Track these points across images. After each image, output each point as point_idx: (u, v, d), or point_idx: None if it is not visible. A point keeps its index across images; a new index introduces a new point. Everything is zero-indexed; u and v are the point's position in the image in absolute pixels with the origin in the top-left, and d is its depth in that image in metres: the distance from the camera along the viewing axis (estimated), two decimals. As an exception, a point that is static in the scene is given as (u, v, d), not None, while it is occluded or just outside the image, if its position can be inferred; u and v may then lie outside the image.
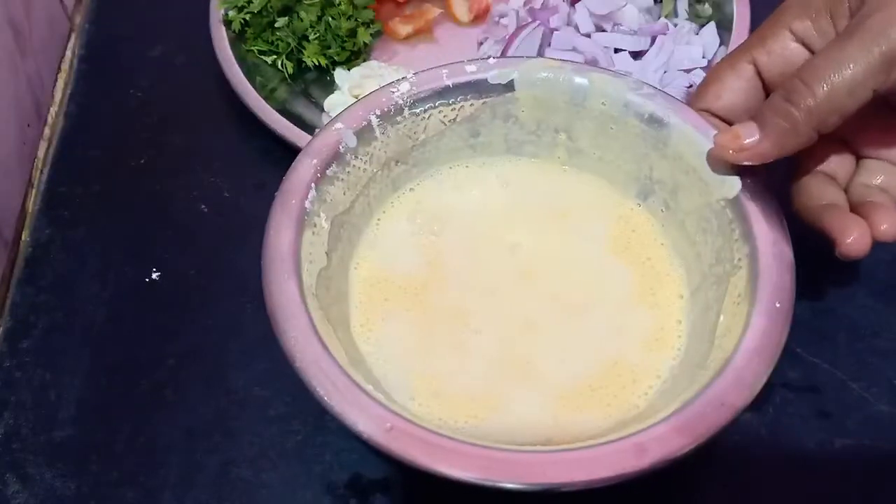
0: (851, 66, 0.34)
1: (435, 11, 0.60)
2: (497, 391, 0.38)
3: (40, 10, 0.59)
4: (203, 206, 0.52)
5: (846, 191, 0.39)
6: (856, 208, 0.37)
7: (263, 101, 0.52)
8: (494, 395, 0.38)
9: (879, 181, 0.39)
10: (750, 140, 0.36)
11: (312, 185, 0.38)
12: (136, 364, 0.45)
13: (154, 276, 0.49)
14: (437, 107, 0.42)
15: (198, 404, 0.44)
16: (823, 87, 0.34)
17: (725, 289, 0.37)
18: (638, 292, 0.40)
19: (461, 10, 0.60)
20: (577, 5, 0.55)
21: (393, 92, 0.41)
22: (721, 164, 0.39)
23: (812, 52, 0.38)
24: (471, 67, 0.42)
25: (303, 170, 0.39)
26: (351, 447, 0.43)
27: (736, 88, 0.40)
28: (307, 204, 0.38)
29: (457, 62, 0.42)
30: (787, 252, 0.36)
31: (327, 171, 0.39)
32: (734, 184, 0.38)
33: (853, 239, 0.35)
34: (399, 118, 0.41)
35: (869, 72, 0.33)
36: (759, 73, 0.40)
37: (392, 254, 0.42)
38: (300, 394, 0.44)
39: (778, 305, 0.35)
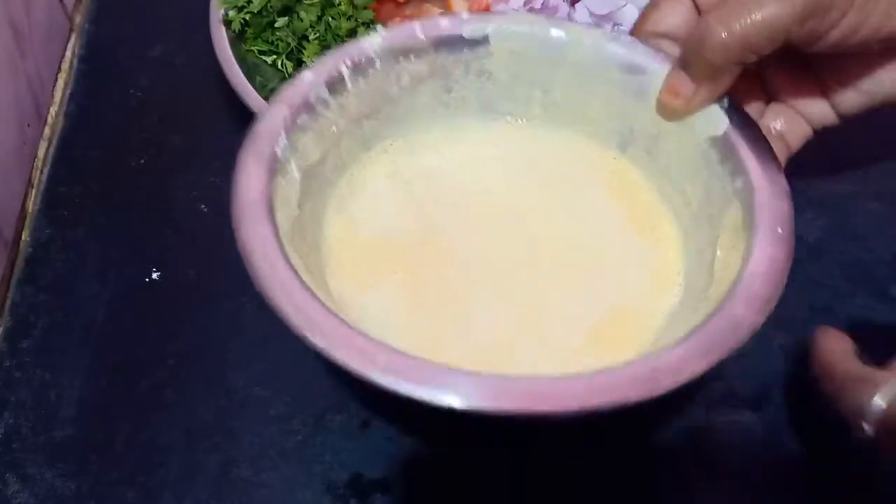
0: (772, 8, 0.34)
1: (435, 11, 0.59)
2: (499, 349, 0.37)
3: (40, 10, 0.59)
4: (203, 206, 0.52)
5: None
6: None
7: (263, 101, 0.52)
8: (497, 354, 0.37)
9: (779, 126, 0.40)
10: (687, 91, 0.37)
11: (283, 132, 0.37)
12: (136, 364, 0.45)
13: (154, 276, 0.49)
14: (409, 60, 0.41)
15: (198, 404, 0.44)
16: (738, 25, 0.34)
17: (722, 224, 0.37)
18: (631, 238, 0.40)
19: (461, 9, 0.60)
20: (577, 5, 0.55)
21: (365, 44, 0.41)
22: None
23: None
24: (445, 23, 0.41)
25: (273, 117, 0.38)
26: (351, 447, 0.43)
27: (676, 13, 0.40)
28: (278, 150, 0.37)
29: (431, 17, 0.42)
30: (781, 180, 0.36)
31: (297, 121, 0.38)
32: (721, 121, 0.38)
33: None
34: (371, 70, 0.41)
35: (784, 19, 0.34)
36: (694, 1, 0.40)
37: (367, 213, 0.41)
38: (300, 394, 0.44)
39: (780, 231, 0.34)
